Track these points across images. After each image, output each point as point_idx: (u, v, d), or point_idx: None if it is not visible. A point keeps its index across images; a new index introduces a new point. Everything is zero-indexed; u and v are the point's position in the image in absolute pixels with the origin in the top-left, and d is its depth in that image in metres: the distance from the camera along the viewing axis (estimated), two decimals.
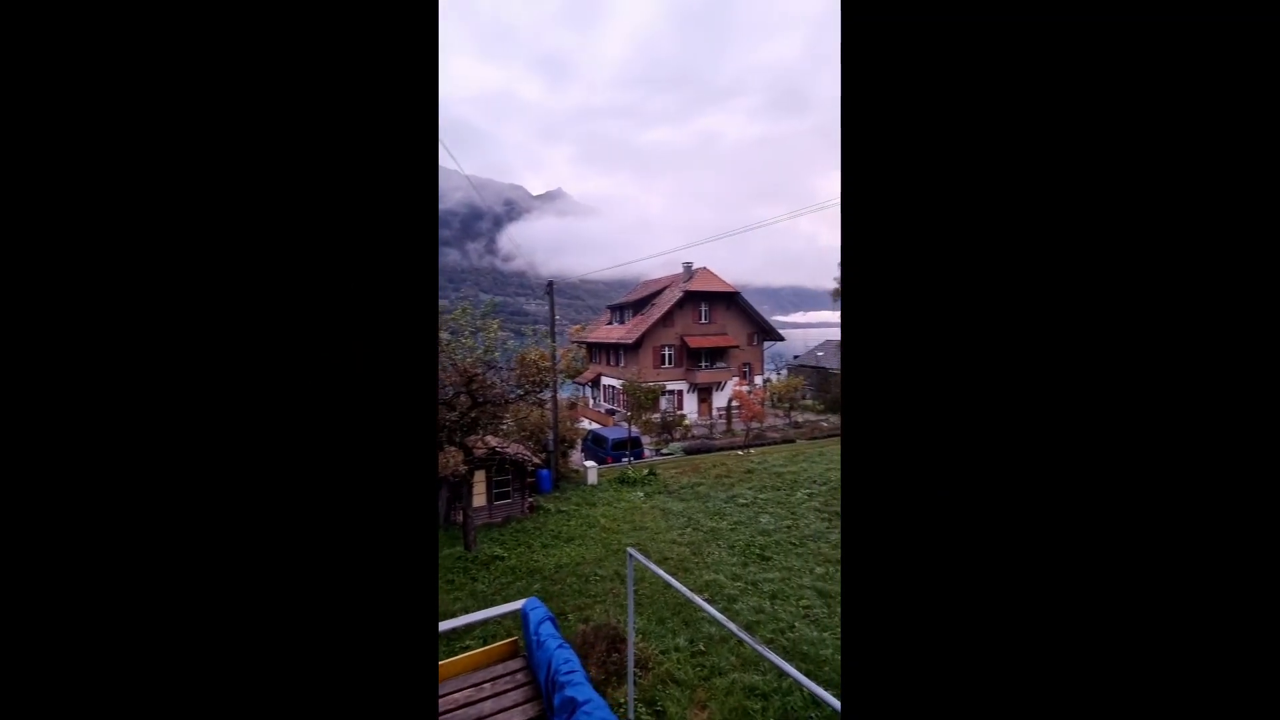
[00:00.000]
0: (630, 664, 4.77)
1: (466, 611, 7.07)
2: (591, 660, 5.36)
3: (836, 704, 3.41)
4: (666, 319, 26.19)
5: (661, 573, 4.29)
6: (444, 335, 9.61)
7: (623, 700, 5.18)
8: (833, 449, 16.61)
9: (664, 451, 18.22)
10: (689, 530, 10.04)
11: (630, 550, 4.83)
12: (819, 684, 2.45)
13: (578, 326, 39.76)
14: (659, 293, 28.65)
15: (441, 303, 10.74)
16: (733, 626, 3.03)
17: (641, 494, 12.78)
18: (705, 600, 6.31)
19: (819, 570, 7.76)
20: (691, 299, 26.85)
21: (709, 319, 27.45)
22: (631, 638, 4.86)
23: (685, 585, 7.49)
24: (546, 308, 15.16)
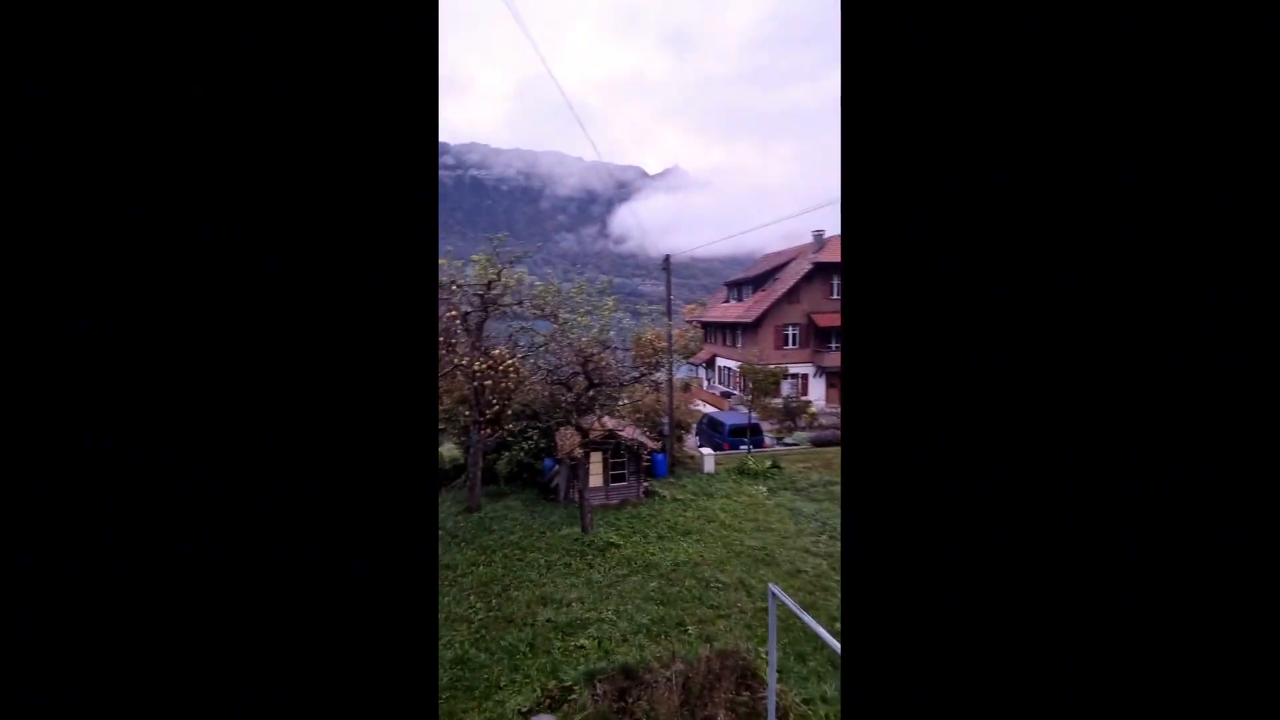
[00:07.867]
0: (772, 713, 3.91)
1: (581, 601, 6.72)
2: (717, 699, 4.55)
3: None
4: (791, 295, 23.93)
5: (809, 619, 3.34)
6: (563, 314, 9.55)
7: None
8: None
9: (787, 441, 16.67)
10: (824, 538, 8.71)
11: (772, 588, 3.90)
12: None
13: (692, 305, 38.80)
14: (782, 267, 26.30)
15: (564, 285, 10.86)
16: None
17: (764, 489, 11.61)
18: None
19: None
20: (822, 271, 24.06)
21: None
22: (773, 684, 3.99)
23: (828, 608, 6.25)
24: (661, 287, 14.50)
